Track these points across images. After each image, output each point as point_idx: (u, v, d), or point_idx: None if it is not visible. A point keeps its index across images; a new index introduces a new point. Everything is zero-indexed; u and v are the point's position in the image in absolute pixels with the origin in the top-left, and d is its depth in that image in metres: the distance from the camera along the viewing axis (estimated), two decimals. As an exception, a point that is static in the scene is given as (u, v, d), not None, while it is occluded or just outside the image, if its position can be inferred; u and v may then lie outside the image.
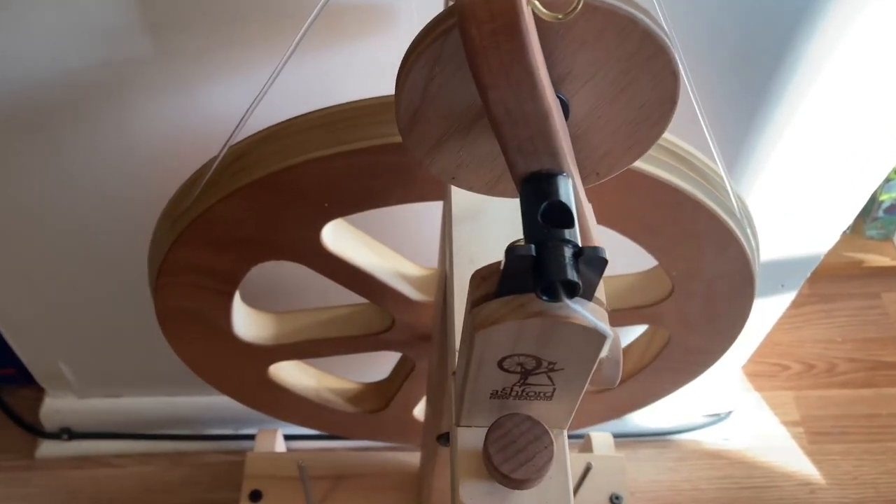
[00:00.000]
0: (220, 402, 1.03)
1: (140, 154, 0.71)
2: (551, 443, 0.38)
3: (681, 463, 1.12)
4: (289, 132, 0.51)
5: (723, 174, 0.53)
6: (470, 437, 0.40)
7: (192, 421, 1.06)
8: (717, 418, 1.15)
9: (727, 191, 0.53)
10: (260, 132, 0.51)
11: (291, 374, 0.77)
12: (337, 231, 0.57)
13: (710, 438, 1.15)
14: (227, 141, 0.48)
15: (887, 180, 1.28)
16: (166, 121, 0.68)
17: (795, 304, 1.34)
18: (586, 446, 1.00)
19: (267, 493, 0.89)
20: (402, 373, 0.76)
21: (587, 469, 0.76)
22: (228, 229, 0.53)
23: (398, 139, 0.36)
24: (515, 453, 0.37)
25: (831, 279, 1.37)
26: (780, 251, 0.84)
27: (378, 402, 0.81)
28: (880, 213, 1.33)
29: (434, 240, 0.68)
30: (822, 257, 0.85)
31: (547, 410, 0.39)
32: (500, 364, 0.36)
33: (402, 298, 0.62)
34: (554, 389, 0.38)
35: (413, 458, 0.93)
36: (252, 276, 0.59)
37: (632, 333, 0.76)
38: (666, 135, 0.43)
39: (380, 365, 0.85)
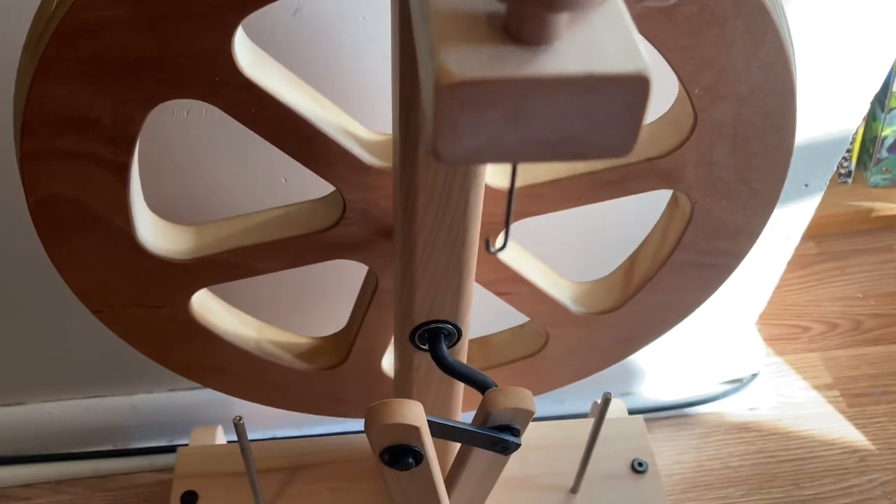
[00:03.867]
0: (147, 403, 0.88)
1: None
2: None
3: (705, 440, 1.00)
4: None
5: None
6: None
7: (113, 431, 0.90)
8: (739, 385, 1.04)
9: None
10: None
11: (224, 318, 0.64)
12: (257, 58, 0.45)
13: (735, 409, 1.03)
14: None
15: (888, 110, 1.21)
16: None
17: (804, 265, 1.26)
18: (595, 411, 0.88)
19: (204, 495, 0.74)
20: (364, 299, 0.63)
21: (605, 402, 0.63)
22: (106, 40, 0.41)
23: None
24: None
25: (840, 236, 1.29)
26: (800, 138, 0.75)
27: (336, 355, 0.68)
28: (883, 153, 1.26)
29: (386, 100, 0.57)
30: (848, 141, 0.75)
31: None
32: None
33: (352, 163, 0.50)
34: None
35: (386, 439, 0.79)
36: (164, 189, 0.46)
37: (646, 225, 0.65)
38: None
39: (334, 318, 0.73)
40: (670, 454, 0.97)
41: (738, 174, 0.55)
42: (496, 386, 0.46)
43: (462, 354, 0.52)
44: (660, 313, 0.67)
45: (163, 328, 0.61)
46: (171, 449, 0.92)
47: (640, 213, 0.73)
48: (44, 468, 0.91)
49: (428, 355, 0.51)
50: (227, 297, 0.65)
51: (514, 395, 0.44)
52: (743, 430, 1.01)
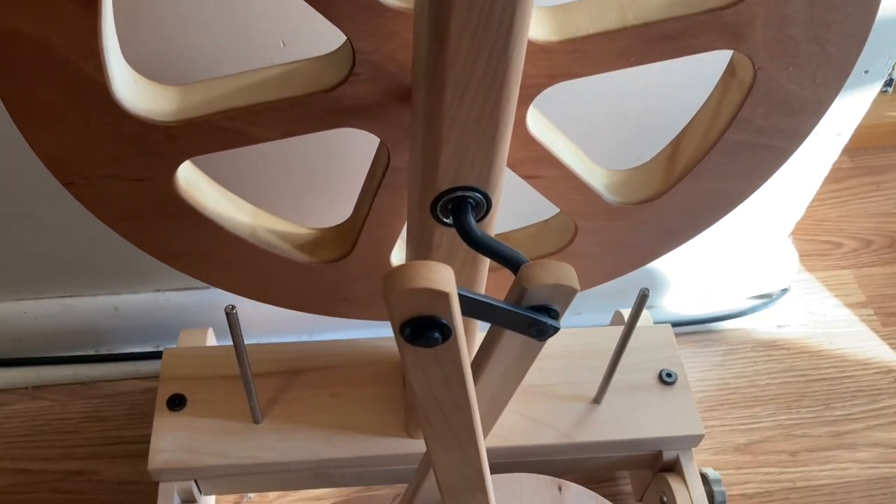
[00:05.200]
0: (131, 304, 0.83)
1: None
2: None
3: (730, 357, 0.95)
4: None
5: None
6: None
7: (95, 334, 0.85)
8: (768, 301, 0.98)
9: None
10: None
11: (215, 199, 0.57)
12: None
13: (762, 326, 0.98)
14: None
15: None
16: None
17: (837, 179, 1.20)
18: (616, 322, 0.83)
19: (193, 399, 0.69)
20: (373, 181, 0.57)
21: (642, 298, 0.57)
22: None
23: None
24: None
25: (876, 150, 1.23)
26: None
27: (340, 247, 0.63)
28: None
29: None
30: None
31: None
32: None
33: (365, 1, 0.43)
34: None
35: (392, 344, 0.74)
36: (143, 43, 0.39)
37: (690, 113, 0.58)
38: None
39: (337, 210, 0.67)
40: (694, 371, 0.93)
41: (813, 32, 0.48)
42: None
43: (490, 231, 0.47)
44: (703, 204, 0.61)
45: (144, 206, 0.55)
46: (157, 355, 0.87)
47: (683, 101, 0.66)
48: (21, 372, 0.86)
49: (450, 231, 0.46)
50: (219, 182, 0.59)
51: (553, 270, 0.38)
52: (771, 347, 0.96)
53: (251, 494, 0.80)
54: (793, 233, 0.99)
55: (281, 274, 0.63)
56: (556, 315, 0.39)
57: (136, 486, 0.79)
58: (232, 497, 0.80)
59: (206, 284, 0.84)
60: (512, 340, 0.40)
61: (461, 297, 0.35)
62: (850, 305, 1.02)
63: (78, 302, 0.82)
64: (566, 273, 0.38)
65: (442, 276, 0.32)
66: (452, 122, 0.38)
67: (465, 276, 0.50)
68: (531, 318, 0.38)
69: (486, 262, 0.52)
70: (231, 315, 0.55)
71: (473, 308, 0.37)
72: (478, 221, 0.44)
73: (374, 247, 0.61)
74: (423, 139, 0.40)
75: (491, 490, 0.47)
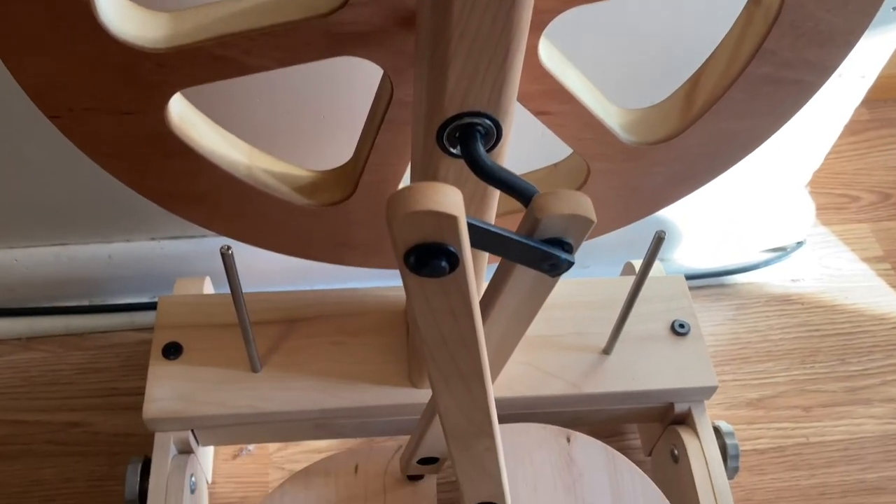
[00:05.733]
0: (125, 253, 0.81)
1: None
2: None
3: (742, 311, 0.93)
4: None
5: None
6: None
7: (88, 284, 0.83)
8: (782, 254, 0.96)
9: None
10: None
11: (209, 137, 0.55)
12: None
13: (776, 280, 0.96)
14: None
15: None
16: None
17: (855, 131, 1.17)
18: (627, 273, 0.81)
19: (189, 347, 0.67)
20: (375, 116, 0.54)
21: (658, 241, 0.55)
22: None
23: None
24: None
25: (895, 102, 1.19)
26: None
27: (340, 189, 0.60)
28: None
29: None
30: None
31: None
32: None
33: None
34: None
35: (396, 293, 0.72)
36: None
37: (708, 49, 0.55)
38: None
39: (337, 153, 0.64)
40: (705, 326, 0.91)
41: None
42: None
43: (500, 161, 0.44)
44: (721, 145, 0.59)
45: (134, 142, 0.52)
46: (152, 306, 0.85)
47: (703, 34, 0.63)
48: (12, 323, 0.84)
49: (457, 163, 0.43)
50: (213, 121, 0.56)
51: (568, 199, 0.36)
52: (785, 302, 0.94)
53: (250, 447, 0.78)
54: (809, 186, 0.97)
55: (279, 217, 0.61)
56: (570, 249, 0.37)
57: (133, 439, 0.78)
58: (231, 449, 0.78)
59: (202, 232, 0.83)
60: (523, 276, 0.38)
61: (470, 226, 0.33)
62: (867, 260, 0.99)
63: (70, 250, 0.80)
64: (581, 203, 0.36)
65: (450, 199, 0.30)
66: (461, 38, 0.35)
67: (473, 211, 0.48)
68: (544, 252, 0.36)
69: (496, 198, 0.49)
70: (227, 256, 0.53)
71: (482, 239, 0.35)
72: (488, 151, 0.41)
73: (376, 188, 0.59)
74: (429, 59, 0.38)
75: (498, 434, 0.45)
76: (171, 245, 0.81)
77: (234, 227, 0.62)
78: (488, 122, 0.40)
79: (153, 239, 0.81)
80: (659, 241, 0.55)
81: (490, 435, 0.45)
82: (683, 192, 0.63)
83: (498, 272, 0.39)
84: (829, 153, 0.93)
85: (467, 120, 0.40)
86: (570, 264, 0.37)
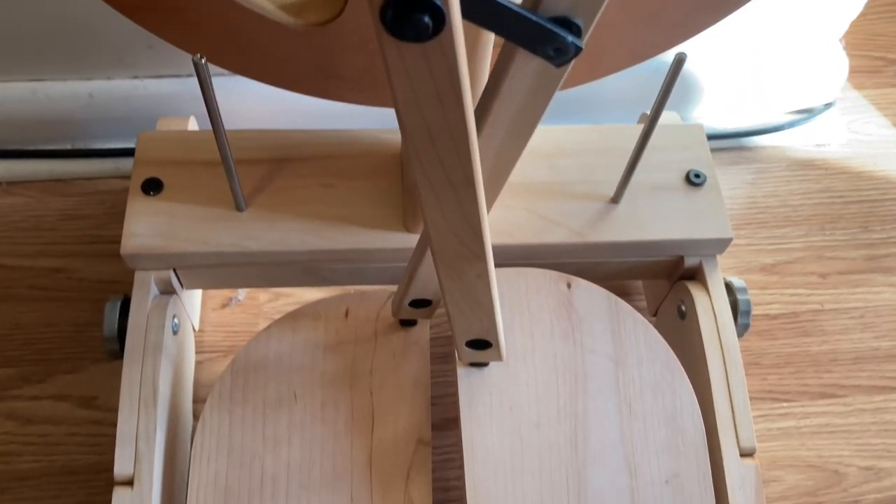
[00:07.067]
0: (106, 92, 0.77)
1: None
2: None
3: (762, 175, 0.89)
4: None
5: None
6: None
7: (69, 126, 0.79)
8: (808, 116, 0.91)
9: None
10: None
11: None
12: None
13: (800, 144, 0.91)
14: None
15: None
16: None
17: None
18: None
19: (170, 183, 0.64)
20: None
21: (678, 62, 0.50)
22: None
23: None
24: None
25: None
26: None
27: (329, 6, 0.55)
28: None
29: None
30: None
31: None
32: None
33: None
34: None
35: (391, 136, 0.68)
36: None
37: None
38: None
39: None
40: (722, 189, 0.86)
41: None
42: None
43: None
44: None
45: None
46: (139, 151, 0.81)
47: None
48: (-8, 165, 0.81)
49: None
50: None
51: (578, -29, 0.31)
52: (807, 166, 0.89)
53: (240, 296, 0.76)
54: (845, 41, 0.91)
55: (263, 39, 0.56)
56: (578, 31, 0.32)
57: (118, 286, 0.75)
58: (220, 299, 0.76)
59: (187, 71, 0.78)
60: (525, 66, 0.34)
61: (460, -13, 0.28)
62: (899, 126, 0.94)
63: (48, 86, 0.76)
64: (592, -26, 0.31)
65: (433, -66, 0.25)
66: None
67: None
68: (549, 32, 0.32)
69: None
70: (199, 66, 0.48)
71: (476, 7, 0.30)
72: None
73: (366, 8, 0.54)
74: None
75: (490, 259, 0.42)
76: (155, 84, 0.77)
77: (214, 49, 0.57)
78: None
79: (136, 77, 0.77)
80: (679, 63, 0.50)
81: (482, 258, 0.42)
82: (707, 19, 0.58)
83: (497, 64, 0.35)
84: (868, 12, 0.86)
85: None
86: (578, 50, 0.33)
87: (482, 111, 0.36)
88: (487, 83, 0.36)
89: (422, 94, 0.31)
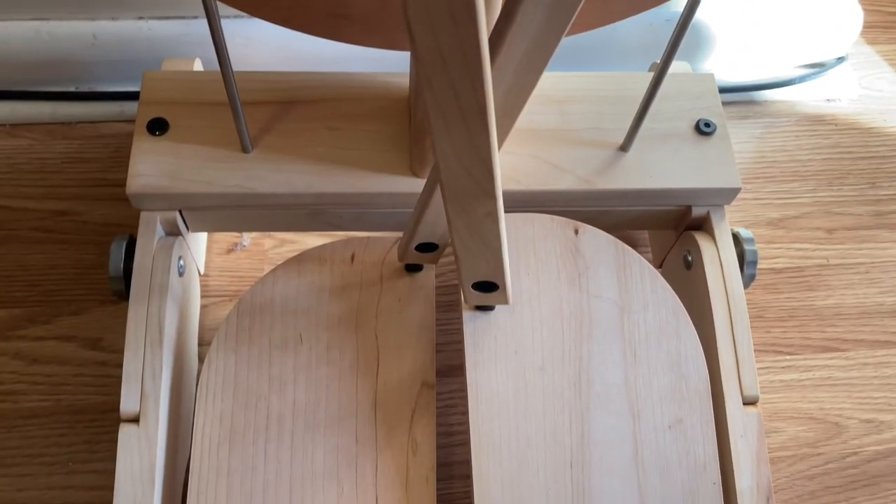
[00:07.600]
0: (110, 33, 0.76)
1: None
2: None
3: (771, 129, 0.88)
4: None
5: None
6: None
7: (73, 67, 0.79)
8: (819, 70, 0.90)
9: None
10: None
11: None
12: None
13: (810, 99, 0.90)
14: None
15: None
16: None
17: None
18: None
19: (175, 124, 0.63)
20: None
21: (693, 2, 0.50)
22: None
23: None
24: None
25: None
26: None
27: (338, -58, 0.54)
28: None
29: None
30: None
31: None
32: None
33: None
34: None
35: (399, 79, 0.67)
36: None
37: None
38: None
39: None
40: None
41: None
42: None
43: None
44: None
45: None
46: (144, 95, 0.80)
47: None
48: (-5, 107, 0.80)
49: None
50: None
51: None
52: (817, 122, 0.89)
53: (245, 241, 0.76)
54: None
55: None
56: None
57: (123, 230, 0.75)
58: (225, 244, 0.76)
59: (193, 12, 0.77)
60: (537, -8, 0.33)
61: None
62: (911, 83, 0.93)
63: (51, 26, 0.75)
64: None
65: None
66: None
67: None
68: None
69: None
70: (208, 2, 0.47)
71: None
72: None
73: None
74: None
75: (500, 196, 0.42)
76: (160, 26, 0.76)
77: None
78: None
79: (141, 18, 0.76)
80: (694, 2, 0.50)
81: (491, 195, 0.42)
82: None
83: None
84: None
85: None
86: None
87: (496, 39, 0.36)
88: (502, 9, 0.35)
89: (435, 13, 0.30)
